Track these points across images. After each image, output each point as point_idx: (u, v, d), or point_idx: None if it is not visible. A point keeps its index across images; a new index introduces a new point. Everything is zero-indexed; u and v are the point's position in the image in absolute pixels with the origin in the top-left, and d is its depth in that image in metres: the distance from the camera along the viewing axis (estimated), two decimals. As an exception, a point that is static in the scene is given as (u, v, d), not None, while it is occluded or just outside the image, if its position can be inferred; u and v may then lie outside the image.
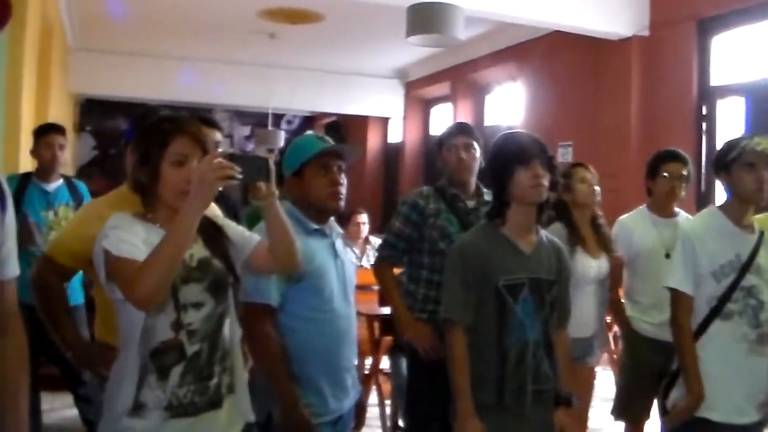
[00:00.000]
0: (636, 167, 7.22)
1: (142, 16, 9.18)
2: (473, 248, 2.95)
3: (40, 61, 6.93)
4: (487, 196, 3.80)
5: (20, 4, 5.41)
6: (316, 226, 2.89)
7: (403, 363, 4.58)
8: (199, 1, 8.46)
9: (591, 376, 4.27)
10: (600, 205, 4.21)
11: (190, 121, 2.34)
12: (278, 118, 14.09)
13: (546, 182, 2.87)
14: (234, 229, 2.48)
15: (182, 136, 2.27)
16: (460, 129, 3.89)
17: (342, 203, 2.93)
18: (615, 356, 6.21)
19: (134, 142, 2.42)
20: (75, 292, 4.48)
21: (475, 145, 3.80)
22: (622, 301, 4.44)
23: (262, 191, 2.25)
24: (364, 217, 7.48)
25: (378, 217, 11.42)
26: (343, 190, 2.92)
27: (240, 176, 2.11)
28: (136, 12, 8.99)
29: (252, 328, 2.69)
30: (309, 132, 7.21)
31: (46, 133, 4.85)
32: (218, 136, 3.22)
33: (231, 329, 2.35)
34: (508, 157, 2.91)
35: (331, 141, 2.97)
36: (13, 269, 1.86)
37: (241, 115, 14.02)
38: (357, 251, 7.22)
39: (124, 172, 2.80)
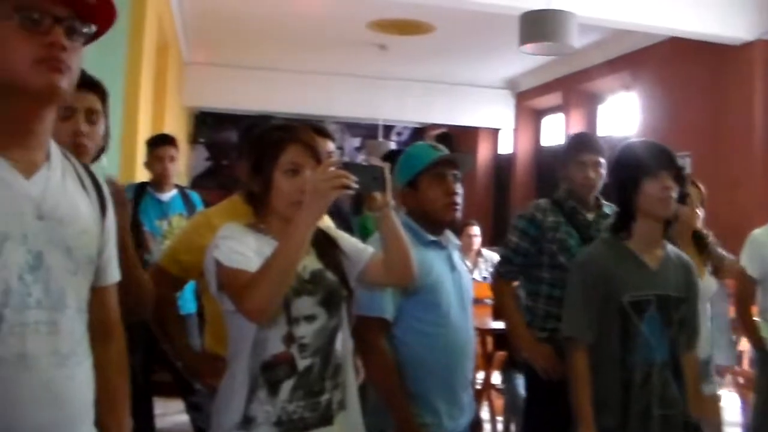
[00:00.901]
0: (760, 178, 6.91)
1: (253, 30, 9.28)
2: (596, 263, 2.82)
3: (157, 76, 7.07)
4: (607, 208, 3.66)
5: (138, 21, 5.53)
6: (432, 238, 2.81)
7: (517, 379, 4.45)
8: (309, 14, 8.50)
9: (714, 405, 4.02)
10: (704, 224, 3.96)
11: (303, 130, 2.29)
12: (388, 129, 14.11)
13: (674, 195, 2.72)
14: (347, 240, 2.42)
15: (295, 144, 2.23)
16: (589, 145, 3.71)
17: (458, 214, 2.84)
18: (742, 379, 5.92)
19: (246, 152, 2.38)
20: (187, 301, 4.50)
21: (602, 161, 3.64)
22: (756, 320, 4.20)
23: (378, 201, 2.19)
24: (476, 229, 7.37)
25: (489, 230, 11.27)
26: (459, 200, 2.83)
27: (355, 186, 2.04)
28: (247, 26, 9.10)
29: (366, 343, 2.62)
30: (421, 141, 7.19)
31: (157, 145, 4.92)
32: (330, 145, 3.16)
33: (344, 344, 2.29)
34: (634, 167, 2.78)
35: (445, 149, 2.89)
36: (114, 275, 1.83)
37: (351, 126, 14.08)
38: (469, 264, 7.11)
39: (236, 183, 2.78)
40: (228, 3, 8.17)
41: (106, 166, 2.35)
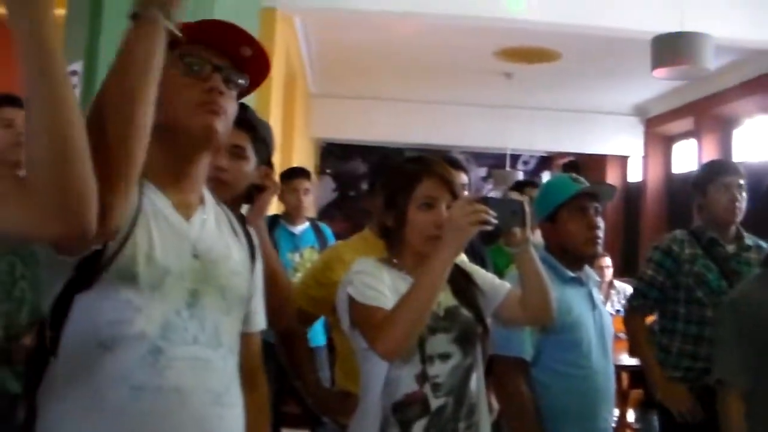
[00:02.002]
0: None
1: (378, 61, 9.34)
2: (750, 301, 2.65)
3: (285, 108, 7.18)
4: (749, 240, 3.47)
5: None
6: (572, 274, 2.71)
7: (654, 419, 4.27)
8: (434, 44, 8.49)
9: None
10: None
11: (437, 163, 2.24)
12: (515, 158, 13.96)
13: None
14: (483, 276, 2.35)
15: (430, 178, 2.18)
16: (731, 167, 3.54)
17: (600, 249, 2.73)
18: None
19: (379, 185, 2.35)
20: (317, 333, 4.50)
21: (744, 185, 3.45)
22: None
23: (517, 237, 2.12)
24: (607, 261, 7.16)
25: (618, 260, 10.98)
26: (601, 234, 2.72)
27: (494, 221, 1.97)
28: (372, 57, 9.17)
29: (504, 384, 2.54)
30: (555, 173, 7.00)
31: (292, 177, 4.96)
32: (464, 177, 3.10)
33: (478, 383, 2.21)
34: None
35: (585, 182, 2.79)
36: (260, 322, 1.86)
37: (477, 156, 13.98)
38: (601, 296, 6.90)
39: (363, 214, 2.74)
40: (353, 34, 8.24)
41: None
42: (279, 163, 6.28)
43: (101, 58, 3.56)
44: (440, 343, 2.11)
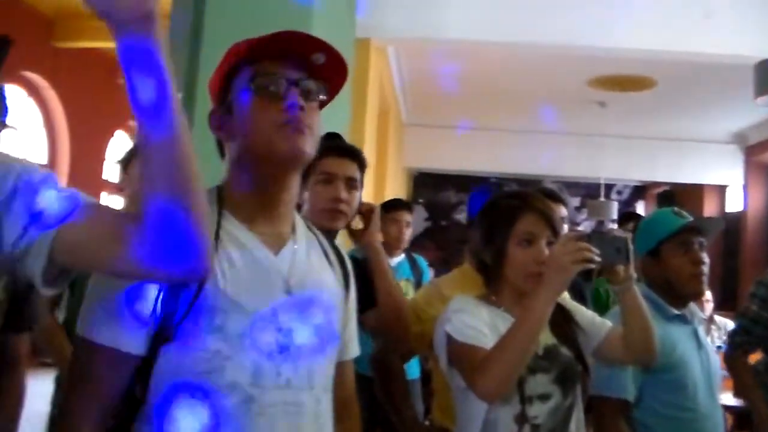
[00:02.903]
0: None
1: (469, 90, 9.32)
2: None
3: (378, 138, 7.21)
4: None
5: (361, 86, 5.66)
6: (676, 312, 2.62)
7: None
8: (527, 73, 8.44)
9: None
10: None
11: (537, 198, 2.20)
12: (608, 188, 13.74)
13: None
14: (583, 313, 2.28)
15: (530, 213, 2.13)
16: None
17: (705, 286, 2.64)
18: None
19: (478, 220, 2.31)
20: (411, 366, 4.46)
21: None
22: None
23: (621, 275, 2.05)
24: (708, 295, 6.94)
25: (717, 294, 10.67)
26: (706, 269, 2.63)
27: (598, 259, 1.92)
28: (463, 87, 9.15)
29: (604, 426, 2.46)
30: (659, 207, 6.85)
31: (394, 209, 4.94)
32: (563, 210, 3.04)
33: (578, 424, 2.14)
34: None
35: (688, 215, 2.70)
36: (354, 350, 1.80)
37: (570, 185, 13.81)
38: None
39: (456, 244, 2.72)
40: (444, 65, 8.24)
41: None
42: (372, 193, 6.30)
43: (199, 90, 3.62)
44: (540, 383, 2.05)
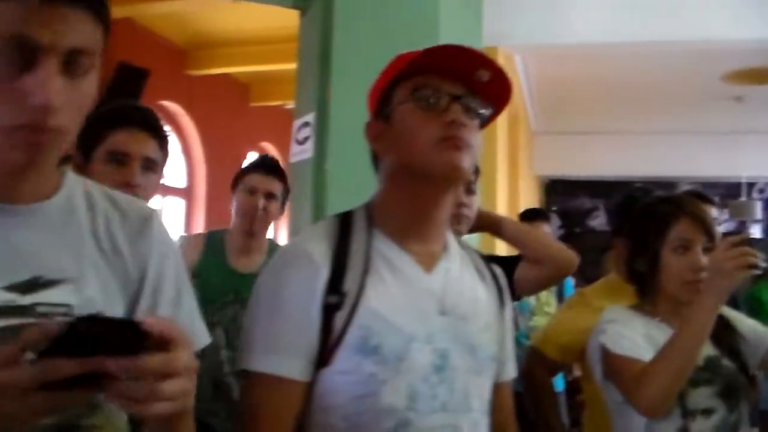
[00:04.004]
0: None
1: (598, 95, 9.14)
2: None
3: (510, 147, 7.14)
4: None
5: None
6: None
7: None
8: (656, 72, 8.20)
9: None
10: None
11: (690, 201, 2.10)
12: (750, 186, 13.21)
13: None
14: (744, 322, 2.17)
15: (684, 218, 2.03)
16: None
17: None
18: None
19: (628, 227, 2.22)
20: (556, 379, 4.37)
21: None
22: None
23: None
24: None
25: None
26: None
27: (763, 264, 1.81)
28: (592, 91, 8.98)
29: None
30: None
31: (532, 219, 4.90)
32: (714, 212, 2.91)
33: (743, 442, 2.02)
34: None
35: None
36: (511, 371, 1.72)
37: (707, 186, 13.33)
38: None
39: (590, 251, 2.64)
40: (571, 70, 8.11)
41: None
42: (506, 202, 6.23)
43: (332, 108, 3.65)
44: (703, 396, 1.95)
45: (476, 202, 2.37)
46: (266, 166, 3.16)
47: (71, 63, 1.03)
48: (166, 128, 2.13)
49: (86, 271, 1.14)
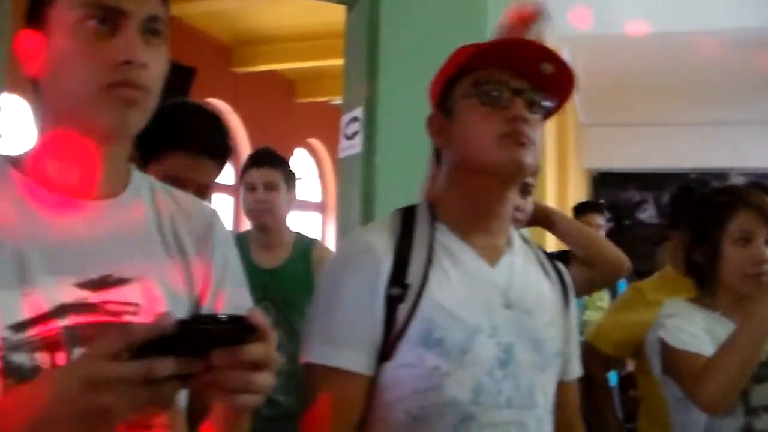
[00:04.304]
0: None
1: (647, 86, 9.02)
2: None
3: (558, 140, 7.09)
4: None
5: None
6: None
7: None
8: (705, 63, 8.07)
9: None
10: None
11: (752, 192, 2.06)
12: (805, 177, 12.99)
13: None
14: None
15: (745, 209, 1.99)
16: None
17: None
18: None
19: (685, 220, 2.18)
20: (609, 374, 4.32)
21: None
22: None
23: None
24: None
25: None
26: None
27: None
28: (641, 83, 8.87)
29: None
30: None
31: (585, 212, 4.88)
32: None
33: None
34: None
35: None
36: (576, 369, 1.70)
37: (761, 177, 13.14)
38: None
39: (640, 244, 2.61)
40: (620, 61, 8.03)
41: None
42: (555, 195, 6.17)
43: (380, 104, 3.64)
44: (767, 393, 1.90)
45: (530, 204, 2.34)
46: (258, 158, 3.20)
47: (148, 29, 1.11)
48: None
49: (153, 269, 1.15)
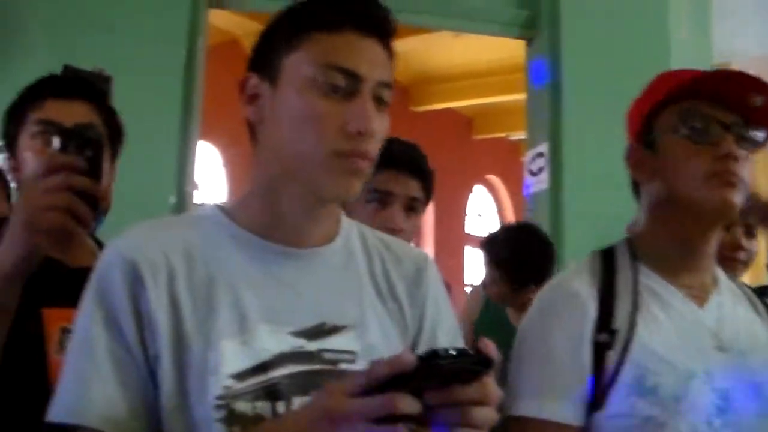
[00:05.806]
0: None
1: None
2: None
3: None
4: None
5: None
6: None
7: None
8: None
9: None
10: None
11: None
12: None
13: None
14: None
15: None
16: None
17: None
18: None
19: None
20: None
21: None
22: None
23: None
24: None
25: None
26: None
27: None
28: None
29: None
30: None
31: None
32: None
33: None
34: None
35: None
36: None
37: None
38: None
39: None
40: None
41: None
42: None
43: (564, 138, 3.60)
44: None
45: (755, 246, 2.22)
46: None
47: (377, 96, 1.08)
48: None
49: (367, 316, 1.15)
